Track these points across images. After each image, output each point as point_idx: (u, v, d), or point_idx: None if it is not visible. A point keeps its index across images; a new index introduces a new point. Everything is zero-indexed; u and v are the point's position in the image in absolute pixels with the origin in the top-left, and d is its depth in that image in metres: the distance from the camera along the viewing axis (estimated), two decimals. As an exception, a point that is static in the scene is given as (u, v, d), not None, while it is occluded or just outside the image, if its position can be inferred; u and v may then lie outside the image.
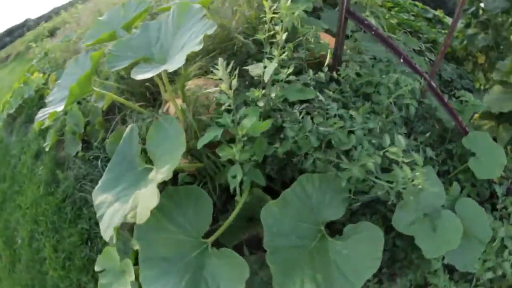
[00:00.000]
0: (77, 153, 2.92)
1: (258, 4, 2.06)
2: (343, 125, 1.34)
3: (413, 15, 3.76)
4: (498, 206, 2.07)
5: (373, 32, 1.69)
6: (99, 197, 1.45)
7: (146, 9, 2.12)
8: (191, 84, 2.05)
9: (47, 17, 10.53)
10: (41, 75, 4.39)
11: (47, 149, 3.10)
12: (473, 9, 3.04)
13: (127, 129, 1.63)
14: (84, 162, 2.85)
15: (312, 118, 1.36)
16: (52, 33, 7.08)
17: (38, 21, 10.38)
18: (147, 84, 2.46)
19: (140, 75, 1.41)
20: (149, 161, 1.53)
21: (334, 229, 1.55)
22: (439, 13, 3.84)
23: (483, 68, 3.07)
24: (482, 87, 3.11)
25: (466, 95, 2.29)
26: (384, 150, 1.29)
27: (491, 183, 2.20)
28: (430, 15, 3.73)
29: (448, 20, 3.74)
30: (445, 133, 2.33)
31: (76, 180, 2.79)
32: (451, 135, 2.30)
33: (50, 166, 3.10)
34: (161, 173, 1.21)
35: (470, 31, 3.06)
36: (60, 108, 1.89)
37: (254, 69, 1.15)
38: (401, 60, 1.82)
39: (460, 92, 2.38)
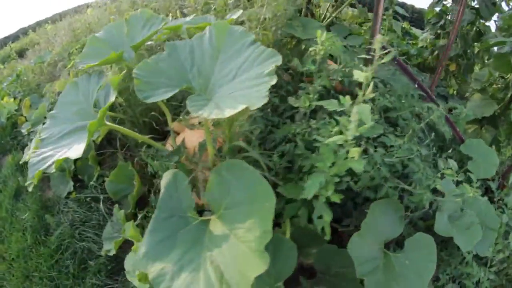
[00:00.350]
0: (69, 193, 2.54)
1: (276, 27, 1.99)
2: (403, 155, 1.38)
3: (382, 29, 3.96)
4: (495, 199, 2.28)
5: (396, 62, 1.76)
6: (153, 268, 1.13)
7: (162, 27, 1.86)
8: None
9: (14, 37, 9.20)
10: (12, 99, 3.80)
11: (30, 189, 2.68)
12: (442, 22, 3.31)
13: (169, 177, 1.35)
14: (79, 205, 2.46)
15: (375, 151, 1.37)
16: (20, 54, 6.19)
17: (5, 41, 9.11)
18: (153, 113, 2.25)
19: (206, 113, 1.12)
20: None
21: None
22: (405, 25, 4.12)
23: (454, 74, 3.35)
24: (455, 92, 3.40)
25: (458, 107, 2.49)
26: (440, 172, 1.37)
27: (485, 181, 2.41)
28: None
29: (414, 31, 4.02)
30: (442, 143, 2.50)
31: (72, 227, 2.39)
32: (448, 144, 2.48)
33: (36, 209, 2.64)
34: (252, 231, 1.04)
35: (441, 42, 3.32)
36: (74, 153, 1.52)
37: (329, 105, 1.10)
38: (416, 86, 1.95)
39: (451, 104, 2.57)
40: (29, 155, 2.79)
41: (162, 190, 1.36)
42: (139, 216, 2.01)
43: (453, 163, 1.51)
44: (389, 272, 1.42)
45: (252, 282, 0.97)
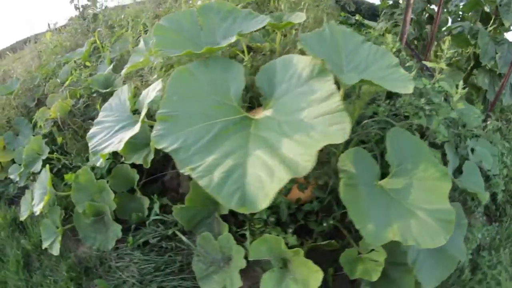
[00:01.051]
0: (119, 241, 2.19)
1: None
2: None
3: (340, 23, 4.69)
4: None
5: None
6: (390, 233, 1.46)
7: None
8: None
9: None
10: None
11: (55, 252, 2.27)
12: (398, 12, 4.16)
13: (351, 155, 1.57)
14: (142, 252, 2.14)
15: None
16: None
17: None
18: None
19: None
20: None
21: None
22: (358, 17, 4.94)
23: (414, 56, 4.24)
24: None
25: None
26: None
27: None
28: (353, 21, 4.77)
29: (367, 22, 4.86)
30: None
31: (142, 283, 2.08)
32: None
33: (73, 277, 2.25)
34: (428, 169, 1.57)
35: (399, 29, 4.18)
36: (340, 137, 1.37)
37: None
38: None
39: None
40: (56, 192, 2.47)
41: (353, 169, 1.58)
42: (246, 233, 1.95)
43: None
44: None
45: (447, 194, 1.56)
